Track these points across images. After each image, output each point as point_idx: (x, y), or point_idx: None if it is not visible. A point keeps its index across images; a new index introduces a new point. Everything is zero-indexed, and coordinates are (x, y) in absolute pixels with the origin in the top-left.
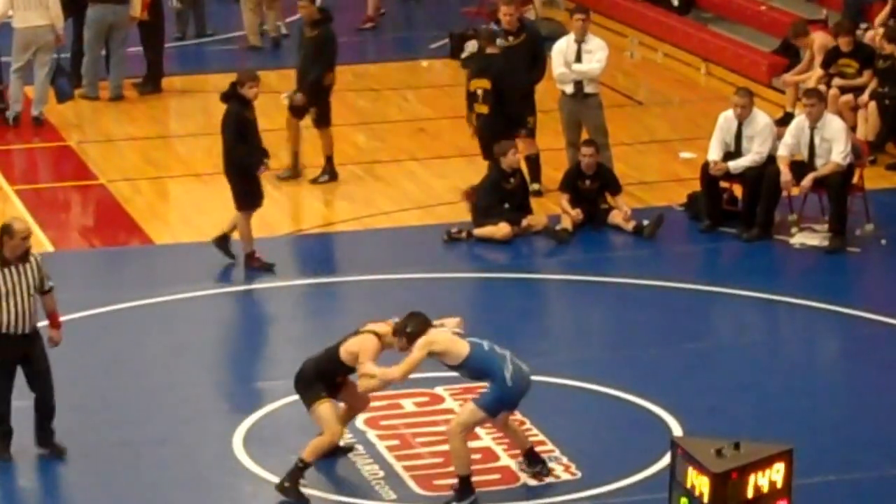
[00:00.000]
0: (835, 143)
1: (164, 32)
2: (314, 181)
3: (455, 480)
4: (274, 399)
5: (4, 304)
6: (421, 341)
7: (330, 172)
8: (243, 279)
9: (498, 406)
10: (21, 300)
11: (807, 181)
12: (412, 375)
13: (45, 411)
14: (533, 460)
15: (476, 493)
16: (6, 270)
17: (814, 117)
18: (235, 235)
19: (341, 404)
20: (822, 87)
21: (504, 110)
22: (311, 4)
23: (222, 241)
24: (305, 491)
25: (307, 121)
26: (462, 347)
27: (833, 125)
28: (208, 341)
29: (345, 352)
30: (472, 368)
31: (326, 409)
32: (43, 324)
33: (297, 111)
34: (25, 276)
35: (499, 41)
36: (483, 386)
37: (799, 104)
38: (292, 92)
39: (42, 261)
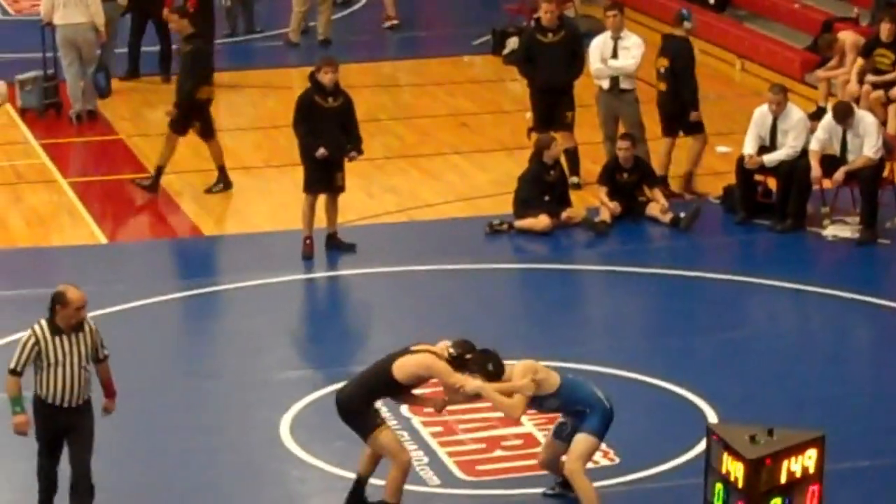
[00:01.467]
0: (867, 137)
1: (215, 29)
2: (208, 191)
3: None
4: (320, 386)
5: (53, 374)
6: (524, 371)
7: (224, 181)
8: (288, 269)
9: (605, 428)
10: (72, 371)
11: (839, 174)
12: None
13: (81, 491)
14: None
15: None
16: (57, 339)
17: (847, 126)
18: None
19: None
20: (854, 85)
21: (679, 90)
22: (181, 19)
23: (332, 239)
24: (351, 475)
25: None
26: (555, 377)
27: (865, 121)
28: (255, 329)
29: (402, 373)
30: (567, 396)
31: (388, 437)
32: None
33: (175, 125)
34: (78, 346)
35: (685, 24)
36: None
37: (831, 99)
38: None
39: (97, 328)
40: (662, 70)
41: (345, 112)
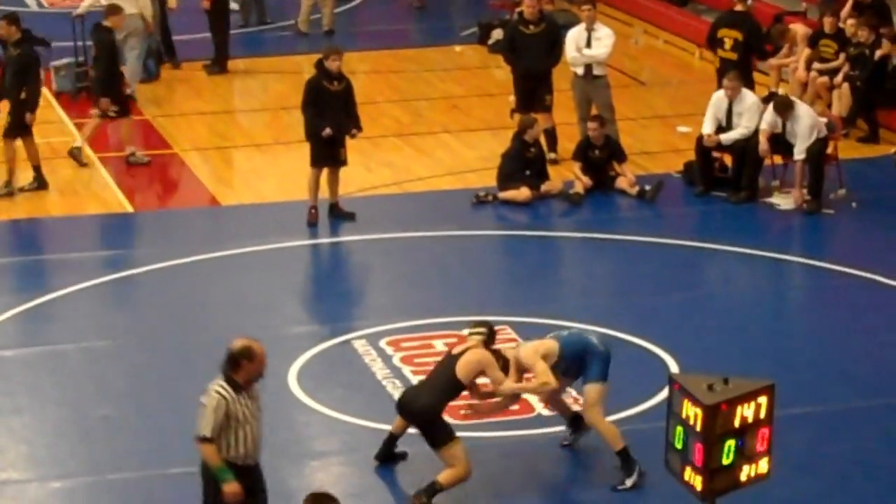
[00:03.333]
0: (799, 138)
1: (230, 21)
2: (21, 189)
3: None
4: (322, 340)
5: (242, 433)
6: (533, 353)
7: (39, 181)
8: (295, 236)
9: (606, 369)
10: (257, 427)
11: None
12: (446, 319)
13: None
14: (576, 424)
15: (638, 462)
16: (240, 397)
17: (785, 119)
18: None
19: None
20: (802, 72)
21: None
22: (9, 25)
23: (334, 209)
24: (349, 419)
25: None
26: (552, 344)
27: (802, 122)
28: (266, 289)
29: (467, 373)
30: (570, 355)
31: (461, 448)
32: None
33: (6, 131)
34: (256, 399)
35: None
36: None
37: (783, 84)
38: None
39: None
40: (732, 41)
41: (347, 95)
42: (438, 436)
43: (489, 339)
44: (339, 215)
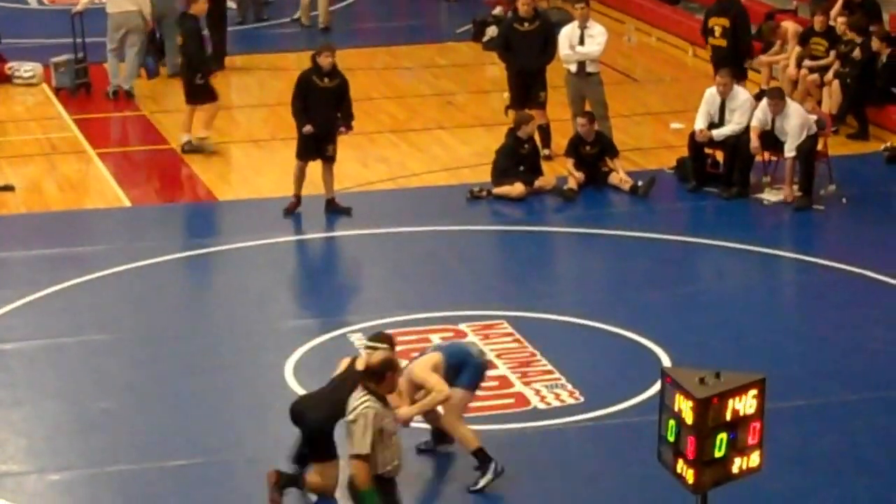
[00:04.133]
0: (790, 136)
1: (227, 18)
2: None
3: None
4: (319, 334)
5: (391, 446)
6: (423, 368)
7: None
8: (292, 231)
9: (476, 381)
10: (398, 437)
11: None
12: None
13: None
14: (441, 438)
15: (495, 459)
16: (386, 409)
17: (775, 112)
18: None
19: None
20: (793, 69)
21: (737, 45)
22: None
23: (330, 204)
24: None
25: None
26: (437, 356)
27: (791, 120)
28: (263, 283)
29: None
30: (451, 365)
31: (337, 470)
32: None
33: None
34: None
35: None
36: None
37: (773, 82)
38: None
39: None
40: (721, 29)
41: (339, 92)
42: (324, 451)
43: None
44: (335, 210)
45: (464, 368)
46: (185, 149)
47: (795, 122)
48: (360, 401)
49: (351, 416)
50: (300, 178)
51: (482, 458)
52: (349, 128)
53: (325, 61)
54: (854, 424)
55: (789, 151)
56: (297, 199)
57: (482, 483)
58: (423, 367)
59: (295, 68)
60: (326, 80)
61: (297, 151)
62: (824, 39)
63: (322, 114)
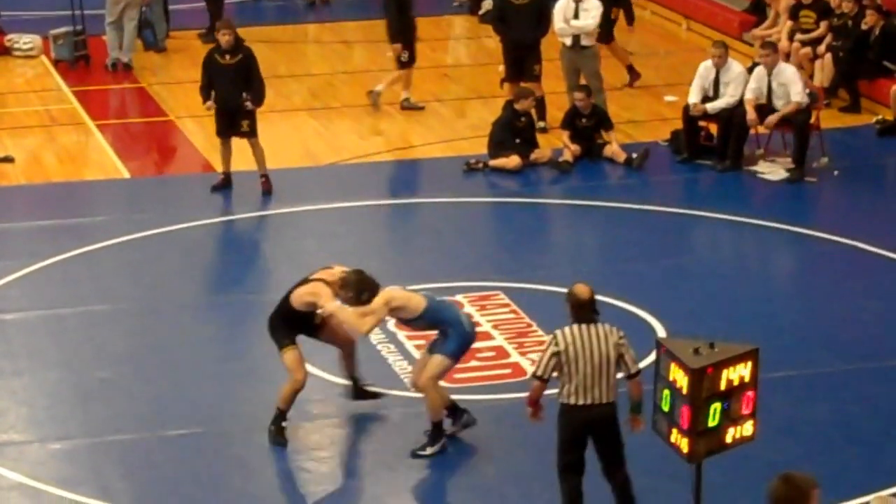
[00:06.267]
0: (791, 86)
1: None
2: None
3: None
4: None
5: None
6: (381, 298)
7: None
8: (289, 203)
9: (461, 351)
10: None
11: (773, 118)
12: (439, 285)
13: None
14: (456, 414)
15: (445, 438)
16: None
17: (769, 66)
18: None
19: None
20: (785, 42)
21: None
22: None
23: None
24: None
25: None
26: (419, 301)
27: (787, 72)
28: (260, 254)
29: (298, 301)
30: (431, 319)
31: (289, 356)
32: None
33: None
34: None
35: None
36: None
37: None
38: None
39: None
40: None
41: (243, 68)
42: (275, 342)
43: (358, 296)
44: (264, 191)
45: (451, 334)
46: (403, 105)
47: (790, 71)
48: (612, 328)
49: (623, 340)
50: (225, 155)
51: (437, 432)
52: (256, 103)
53: (223, 39)
54: (846, 394)
55: (796, 95)
56: (226, 176)
57: (429, 451)
58: (382, 298)
59: (290, 41)
60: (228, 57)
61: (215, 128)
62: (812, 11)
63: (225, 91)
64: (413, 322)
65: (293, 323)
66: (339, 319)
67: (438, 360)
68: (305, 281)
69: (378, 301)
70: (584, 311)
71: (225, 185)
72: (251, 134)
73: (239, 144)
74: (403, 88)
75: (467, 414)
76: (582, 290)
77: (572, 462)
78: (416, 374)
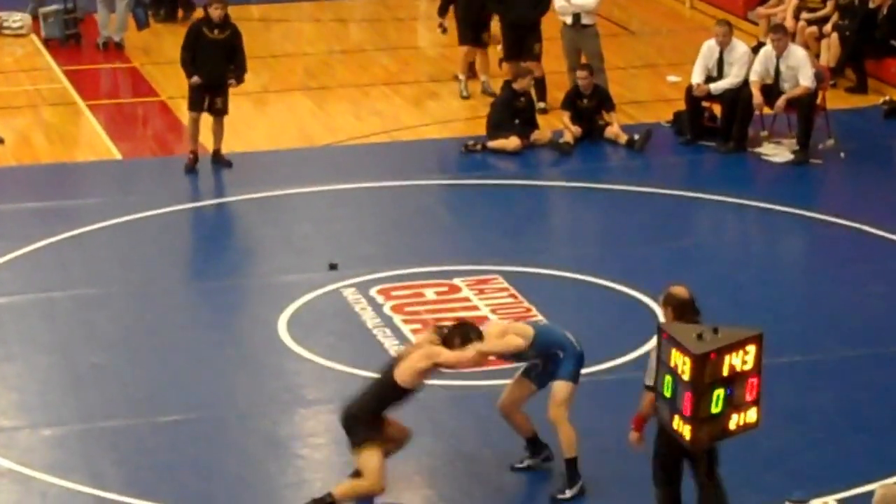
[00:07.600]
0: (801, 69)
1: None
2: None
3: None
4: (313, 288)
5: None
6: (496, 327)
7: None
8: (285, 184)
9: (578, 372)
10: None
11: (781, 101)
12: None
13: None
14: (537, 447)
15: (583, 478)
16: None
17: (780, 49)
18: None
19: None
20: (791, 21)
21: None
22: None
23: (215, 155)
24: (340, 367)
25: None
26: (526, 327)
27: (797, 54)
28: (255, 237)
29: (410, 374)
30: (541, 345)
31: (375, 458)
32: None
33: None
34: None
35: None
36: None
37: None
38: None
39: None
40: None
41: (230, 44)
42: (356, 434)
43: (446, 336)
44: (218, 162)
45: (565, 358)
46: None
47: (801, 54)
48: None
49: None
50: (194, 132)
51: (573, 469)
52: (239, 80)
53: (214, 13)
54: (851, 380)
55: (805, 80)
56: (195, 154)
57: (568, 495)
58: (502, 331)
59: (287, 20)
60: (217, 31)
61: (188, 103)
62: None
63: (211, 65)
64: (522, 356)
65: (384, 407)
66: (487, 351)
67: (562, 385)
68: (399, 359)
69: (499, 334)
70: (688, 311)
71: (195, 163)
72: (223, 111)
73: (234, 126)
74: (482, 73)
75: (548, 449)
76: (681, 290)
77: (669, 475)
78: (509, 401)
